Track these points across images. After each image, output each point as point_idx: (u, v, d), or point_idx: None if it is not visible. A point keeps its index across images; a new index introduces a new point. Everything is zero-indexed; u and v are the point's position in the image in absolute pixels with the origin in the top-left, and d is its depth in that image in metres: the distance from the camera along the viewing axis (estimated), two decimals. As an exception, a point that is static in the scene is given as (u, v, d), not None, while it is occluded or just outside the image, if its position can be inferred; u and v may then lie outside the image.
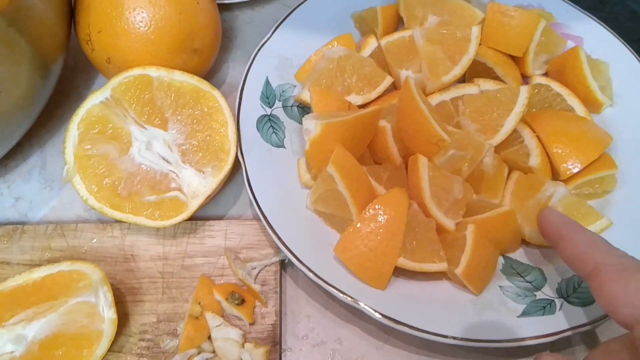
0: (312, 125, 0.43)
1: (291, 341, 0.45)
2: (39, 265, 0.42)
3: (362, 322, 0.46)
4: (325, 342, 0.45)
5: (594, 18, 0.58)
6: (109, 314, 0.40)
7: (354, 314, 0.47)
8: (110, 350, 0.41)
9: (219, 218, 0.50)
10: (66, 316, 0.39)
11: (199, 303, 0.43)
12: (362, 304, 0.40)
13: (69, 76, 0.58)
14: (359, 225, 0.41)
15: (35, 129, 0.54)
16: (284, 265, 0.48)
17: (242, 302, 0.44)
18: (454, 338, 0.40)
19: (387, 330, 0.46)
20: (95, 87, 0.58)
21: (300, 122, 0.52)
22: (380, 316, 0.40)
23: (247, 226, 0.48)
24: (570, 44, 0.57)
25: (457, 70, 0.50)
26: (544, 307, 0.42)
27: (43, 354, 0.38)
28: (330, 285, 0.41)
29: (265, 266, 0.46)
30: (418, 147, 0.44)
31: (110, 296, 0.40)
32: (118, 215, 0.45)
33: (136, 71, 0.47)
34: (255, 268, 0.46)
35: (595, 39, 0.57)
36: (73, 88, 0.58)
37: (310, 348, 0.45)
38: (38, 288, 0.40)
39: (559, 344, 0.45)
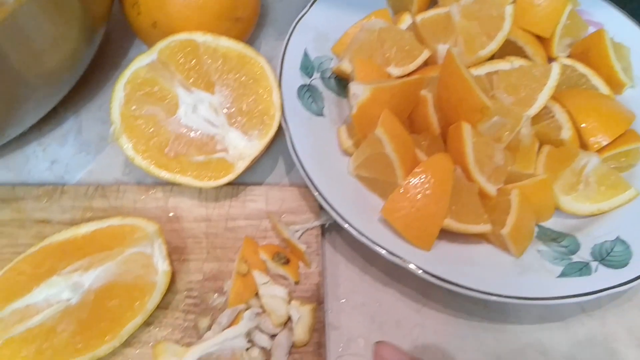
0: (360, 89, 0.44)
1: (332, 302, 0.46)
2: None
3: (401, 286, 0.47)
4: (364, 304, 0.46)
5: (614, 5, 0.61)
6: (163, 266, 0.40)
7: (392, 278, 0.48)
8: (157, 307, 0.41)
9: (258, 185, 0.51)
10: (123, 265, 0.39)
11: (246, 262, 0.44)
12: (409, 264, 0.41)
13: (103, 46, 0.58)
14: (407, 186, 0.43)
15: (71, 96, 0.54)
16: (323, 230, 0.49)
17: (287, 261, 0.45)
18: (499, 296, 0.41)
19: (426, 294, 0.47)
20: (130, 57, 0.58)
21: (338, 94, 0.54)
22: (427, 275, 0.41)
23: (287, 192, 0.49)
24: (592, 29, 0.60)
25: (493, 45, 0.52)
26: (580, 269, 0.44)
27: (97, 303, 0.38)
28: (378, 245, 0.42)
29: (307, 229, 0.47)
30: (461, 115, 0.45)
31: (164, 249, 0.40)
32: (165, 174, 0.45)
33: (183, 36, 0.47)
34: (297, 231, 0.47)
35: (615, 26, 0.60)
36: (108, 57, 0.58)
37: (350, 309, 0.46)
38: (89, 241, 0.40)
39: (589, 306, 0.47)
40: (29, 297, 0.37)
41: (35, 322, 0.36)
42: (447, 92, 0.46)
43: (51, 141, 0.52)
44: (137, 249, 0.40)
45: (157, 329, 0.41)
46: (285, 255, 0.45)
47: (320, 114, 0.51)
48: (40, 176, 0.50)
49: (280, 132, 0.48)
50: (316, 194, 0.44)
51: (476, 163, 0.44)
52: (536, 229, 0.48)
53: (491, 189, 0.45)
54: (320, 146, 0.48)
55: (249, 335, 0.41)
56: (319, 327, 0.43)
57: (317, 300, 0.44)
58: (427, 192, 0.42)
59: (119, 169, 0.51)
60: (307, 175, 0.45)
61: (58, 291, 0.37)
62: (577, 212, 0.48)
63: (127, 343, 0.40)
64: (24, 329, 0.36)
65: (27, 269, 0.39)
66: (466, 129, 0.44)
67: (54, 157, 0.51)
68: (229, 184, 0.48)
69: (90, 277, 0.38)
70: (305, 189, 0.49)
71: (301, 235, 0.47)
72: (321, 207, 0.49)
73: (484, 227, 0.43)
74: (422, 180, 0.43)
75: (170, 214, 0.47)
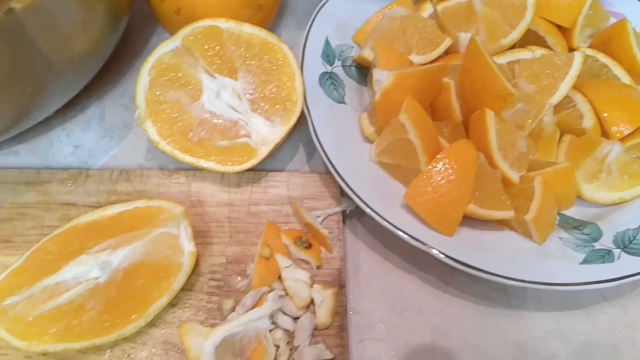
0: (383, 75, 0.45)
1: (353, 288, 0.46)
2: (106, 207, 0.42)
3: (421, 273, 0.48)
4: (385, 290, 0.46)
5: (636, -4, 0.61)
6: (189, 247, 0.40)
7: (412, 264, 0.48)
8: (182, 288, 0.41)
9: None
10: (151, 245, 0.39)
11: (268, 246, 0.44)
12: (432, 248, 0.42)
13: (125, 34, 0.59)
14: (430, 172, 0.43)
15: (94, 83, 0.54)
16: (344, 217, 0.49)
17: (309, 246, 0.45)
18: (521, 281, 0.41)
19: (446, 281, 0.47)
20: (152, 46, 0.59)
21: (359, 82, 0.54)
22: (450, 259, 0.41)
23: (308, 178, 0.50)
24: (613, 19, 0.59)
25: (515, 34, 0.52)
26: (603, 256, 0.44)
27: (125, 282, 0.39)
28: (401, 230, 0.42)
29: (328, 215, 0.48)
30: (484, 102, 0.45)
31: (190, 230, 0.41)
32: (188, 159, 0.46)
33: (206, 22, 0.48)
34: (319, 217, 0.47)
35: (637, 17, 0.60)
36: (130, 46, 0.59)
37: (371, 295, 0.46)
38: (115, 222, 0.41)
39: (610, 294, 0.47)
40: (58, 275, 0.38)
41: (64, 300, 0.37)
42: (470, 79, 0.46)
43: (75, 127, 0.53)
44: (164, 229, 0.40)
45: (182, 310, 0.42)
46: (307, 239, 0.45)
47: (341, 101, 0.51)
48: (64, 161, 0.51)
49: (300, 120, 0.48)
50: (338, 179, 0.44)
51: (499, 150, 0.44)
52: (557, 218, 0.48)
53: (514, 175, 0.45)
54: (341, 133, 0.49)
55: (272, 317, 0.41)
56: (340, 311, 0.43)
57: (339, 285, 0.44)
58: (451, 177, 0.42)
59: (142, 154, 0.52)
60: (329, 161, 0.45)
61: (87, 269, 0.38)
62: (599, 200, 0.48)
63: (152, 323, 0.41)
64: (53, 305, 0.37)
65: (55, 248, 0.39)
66: (489, 116, 0.44)
67: (77, 142, 0.52)
68: (251, 170, 0.48)
69: (119, 256, 0.39)
70: (326, 175, 0.50)
71: (322, 221, 0.47)
72: (342, 194, 0.49)
73: (507, 214, 0.43)
74: (445, 166, 0.43)
75: (193, 199, 0.47)
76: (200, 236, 0.45)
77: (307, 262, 0.45)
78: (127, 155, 0.51)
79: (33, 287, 0.37)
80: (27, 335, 0.36)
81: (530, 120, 0.46)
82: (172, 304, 0.42)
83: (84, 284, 0.38)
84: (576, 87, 0.52)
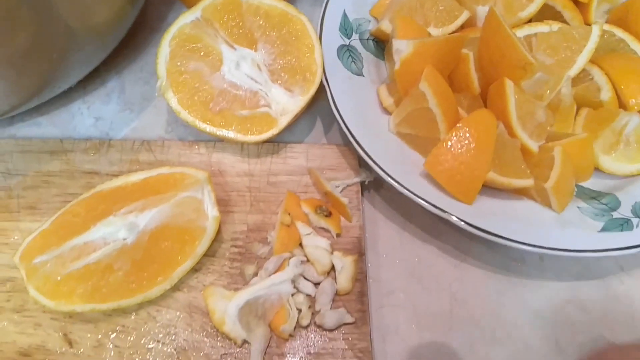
0: (403, 45, 0.45)
1: (372, 257, 0.47)
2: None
3: (439, 243, 0.48)
4: (404, 260, 0.47)
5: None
6: (212, 212, 0.41)
7: (431, 235, 0.48)
8: (204, 254, 0.42)
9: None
10: (176, 208, 0.40)
11: (289, 214, 0.45)
12: (451, 216, 0.42)
13: (143, 10, 0.59)
14: (450, 140, 0.43)
15: (113, 57, 0.55)
16: (362, 189, 0.49)
17: (329, 214, 0.45)
18: (540, 247, 0.41)
19: (465, 251, 0.48)
20: (169, 22, 0.59)
21: (376, 55, 0.54)
22: (469, 226, 0.41)
23: (327, 150, 0.50)
24: (630, -4, 0.59)
25: (532, 8, 0.52)
26: (622, 225, 0.44)
27: (151, 244, 0.39)
28: (421, 198, 0.43)
29: (347, 186, 0.48)
30: (503, 72, 0.46)
31: (213, 195, 0.41)
32: (209, 128, 0.46)
33: (226, -7, 0.48)
34: (338, 187, 0.48)
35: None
36: (148, 21, 0.59)
37: (390, 263, 0.46)
38: (140, 187, 0.41)
39: (628, 264, 0.47)
40: (86, 235, 0.38)
41: (92, 259, 0.38)
42: (489, 50, 0.46)
43: (95, 99, 0.53)
44: (189, 193, 0.41)
45: (205, 275, 0.42)
46: (327, 208, 0.45)
47: (359, 73, 0.51)
48: (85, 132, 0.51)
49: (318, 94, 0.48)
50: (358, 149, 0.45)
51: (519, 119, 0.45)
52: (575, 189, 0.48)
53: (533, 145, 0.45)
54: (360, 104, 0.49)
55: (294, 282, 0.42)
56: (361, 278, 0.43)
57: (359, 252, 0.45)
58: (471, 145, 0.43)
59: (162, 127, 0.52)
60: (349, 130, 0.46)
61: (114, 230, 0.39)
62: (617, 172, 0.48)
63: (176, 287, 0.41)
64: (81, 265, 0.37)
65: (82, 211, 0.40)
66: (509, 85, 0.45)
67: (98, 114, 0.52)
68: (270, 141, 0.49)
69: (145, 218, 0.39)
70: (345, 147, 0.50)
71: (341, 191, 0.47)
72: (360, 165, 0.49)
73: (526, 182, 0.43)
74: (465, 135, 0.43)
75: (214, 169, 0.48)
76: (222, 205, 0.46)
77: (327, 231, 0.45)
78: (147, 128, 0.52)
79: (61, 247, 0.37)
80: (56, 295, 0.37)
81: (548, 91, 0.46)
82: (196, 269, 0.42)
83: (112, 245, 0.38)
84: (593, 61, 0.52)
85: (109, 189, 0.42)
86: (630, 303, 0.46)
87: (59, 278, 0.37)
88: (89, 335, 0.39)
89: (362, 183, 0.49)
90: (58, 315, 0.40)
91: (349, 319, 0.41)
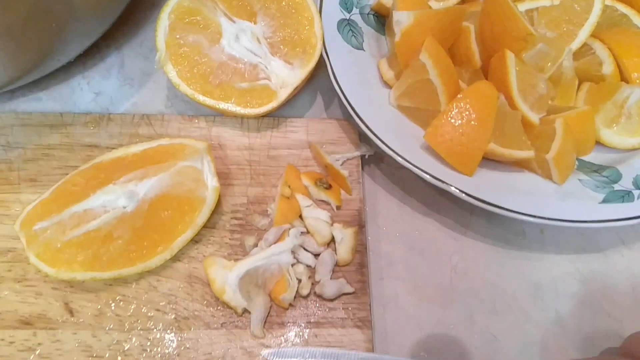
0: (403, 16, 0.45)
1: (372, 230, 0.47)
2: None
3: (440, 217, 0.48)
4: (404, 233, 0.47)
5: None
6: (212, 182, 0.41)
7: (431, 208, 0.48)
8: (204, 226, 0.42)
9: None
10: (176, 177, 0.40)
11: (289, 186, 0.45)
12: (451, 186, 0.42)
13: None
14: (451, 111, 0.43)
15: (112, 32, 0.55)
16: (362, 163, 0.49)
17: (329, 186, 0.45)
18: (541, 218, 0.41)
19: (465, 224, 0.48)
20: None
21: (377, 30, 0.54)
22: (469, 197, 0.41)
23: (327, 124, 0.50)
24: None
25: (535, -19, 0.51)
26: (623, 197, 0.44)
27: (151, 213, 0.39)
28: (421, 169, 0.42)
29: (347, 159, 0.48)
30: (504, 44, 0.45)
31: (213, 166, 0.41)
32: (209, 101, 0.46)
33: (225, -34, 0.48)
34: (338, 160, 0.47)
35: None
36: (146, -4, 0.59)
37: (390, 237, 0.47)
38: (140, 157, 0.41)
39: (629, 238, 0.47)
40: (86, 202, 0.38)
41: (92, 226, 0.38)
42: (490, 22, 0.46)
43: (95, 74, 0.53)
44: (189, 162, 0.41)
45: (205, 246, 0.42)
46: (327, 180, 0.45)
47: (360, 47, 0.51)
48: (85, 107, 0.51)
49: (318, 69, 0.48)
50: (358, 121, 0.45)
51: (520, 91, 0.44)
52: (576, 163, 0.48)
53: (534, 117, 0.45)
54: (360, 78, 0.49)
55: (294, 253, 0.42)
56: (360, 249, 0.43)
57: (359, 225, 0.45)
58: (472, 116, 0.43)
59: (162, 102, 0.52)
60: (349, 104, 0.45)
61: (114, 198, 0.39)
62: (618, 145, 0.48)
63: (176, 258, 0.41)
64: (82, 232, 0.37)
65: (81, 181, 0.40)
66: (510, 57, 0.44)
67: (98, 89, 0.52)
68: (270, 115, 0.49)
69: (145, 187, 0.39)
70: (345, 121, 0.50)
71: (342, 164, 0.47)
72: (361, 139, 0.49)
73: (527, 153, 0.43)
74: (466, 106, 0.43)
75: (214, 142, 0.48)
76: (222, 178, 0.46)
77: (327, 204, 0.45)
78: (147, 103, 0.52)
79: (61, 214, 0.38)
80: (57, 262, 0.37)
81: (549, 64, 0.46)
82: (196, 241, 0.42)
83: (112, 212, 0.38)
84: (595, 35, 0.52)
85: (108, 159, 0.42)
86: (630, 276, 0.46)
87: (59, 245, 0.37)
88: (89, 304, 0.39)
89: (362, 157, 0.49)
90: (59, 284, 0.40)
91: (349, 289, 0.41)
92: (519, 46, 0.45)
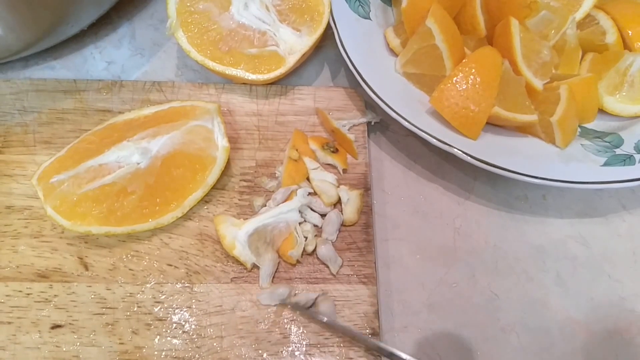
0: (410, -17, 0.45)
1: (377, 194, 0.48)
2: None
3: (444, 182, 0.49)
4: (409, 197, 0.48)
5: None
6: (222, 142, 0.42)
7: (435, 174, 0.49)
8: (214, 187, 0.43)
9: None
10: (187, 135, 0.41)
11: (296, 150, 0.46)
12: (456, 149, 0.43)
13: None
14: (456, 76, 0.44)
15: (124, 4, 0.56)
16: (368, 130, 0.50)
17: (336, 150, 0.46)
18: (545, 179, 0.42)
19: (468, 189, 0.49)
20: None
21: (383, 1, 0.54)
22: (473, 159, 0.42)
23: (334, 92, 0.51)
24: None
25: (540, -49, 0.52)
26: (624, 160, 0.45)
27: (163, 170, 0.40)
28: (427, 133, 0.43)
29: (354, 125, 0.49)
30: (509, 12, 0.46)
31: (223, 127, 0.42)
32: (219, 67, 0.47)
33: None
34: (344, 125, 0.48)
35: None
36: (156, -31, 0.60)
37: (395, 201, 0.47)
38: (152, 118, 0.43)
39: (630, 203, 0.48)
40: (101, 157, 0.40)
41: (107, 180, 0.39)
42: (496, -10, 0.47)
43: (107, 44, 0.54)
44: (200, 122, 0.42)
45: (215, 206, 0.43)
46: (334, 144, 0.46)
47: (366, 17, 0.52)
48: (98, 75, 0.52)
49: (326, 38, 0.49)
50: (365, 87, 0.46)
51: (524, 57, 0.45)
52: (579, 130, 0.48)
53: (538, 83, 0.46)
54: (367, 45, 0.50)
55: (301, 213, 0.43)
56: (366, 210, 0.44)
57: (365, 187, 0.46)
58: (477, 80, 0.43)
59: (172, 71, 0.53)
60: (356, 70, 0.46)
61: (128, 154, 0.40)
62: (621, 112, 0.49)
63: (187, 216, 0.42)
64: (97, 185, 0.39)
65: (96, 139, 0.41)
66: (514, 24, 0.45)
67: (110, 58, 0.53)
68: (278, 83, 0.50)
69: (158, 144, 0.40)
70: (352, 89, 0.51)
71: (348, 130, 0.48)
72: (367, 107, 0.50)
73: (531, 117, 0.44)
74: (471, 70, 0.44)
75: (223, 108, 0.49)
76: (231, 142, 0.46)
77: (333, 167, 0.46)
78: (157, 72, 0.53)
79: (77, 168, 0.39)
80: (72, 215, 0.38)
81: (553, 31, 0.47)
82: (206, 201, 0.43)
83: (126, 168, 0.39)
84: (598, 6, 0.52)
85: (122, 120, 0.43)
86: (631, 239, 0.47)
87: (74, 198, 0.38)
88: (104, 259, 0.41)
89: (368, 124, 0.50)
90: (74, 240, 0.41)
91: (338, 261, 0.42)
92: (524, 13, 0.46)
